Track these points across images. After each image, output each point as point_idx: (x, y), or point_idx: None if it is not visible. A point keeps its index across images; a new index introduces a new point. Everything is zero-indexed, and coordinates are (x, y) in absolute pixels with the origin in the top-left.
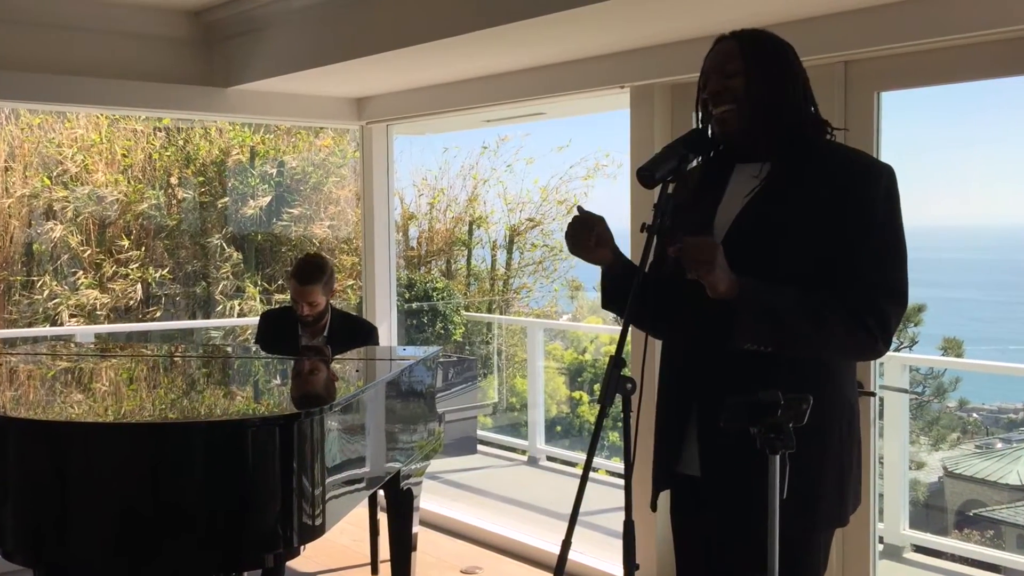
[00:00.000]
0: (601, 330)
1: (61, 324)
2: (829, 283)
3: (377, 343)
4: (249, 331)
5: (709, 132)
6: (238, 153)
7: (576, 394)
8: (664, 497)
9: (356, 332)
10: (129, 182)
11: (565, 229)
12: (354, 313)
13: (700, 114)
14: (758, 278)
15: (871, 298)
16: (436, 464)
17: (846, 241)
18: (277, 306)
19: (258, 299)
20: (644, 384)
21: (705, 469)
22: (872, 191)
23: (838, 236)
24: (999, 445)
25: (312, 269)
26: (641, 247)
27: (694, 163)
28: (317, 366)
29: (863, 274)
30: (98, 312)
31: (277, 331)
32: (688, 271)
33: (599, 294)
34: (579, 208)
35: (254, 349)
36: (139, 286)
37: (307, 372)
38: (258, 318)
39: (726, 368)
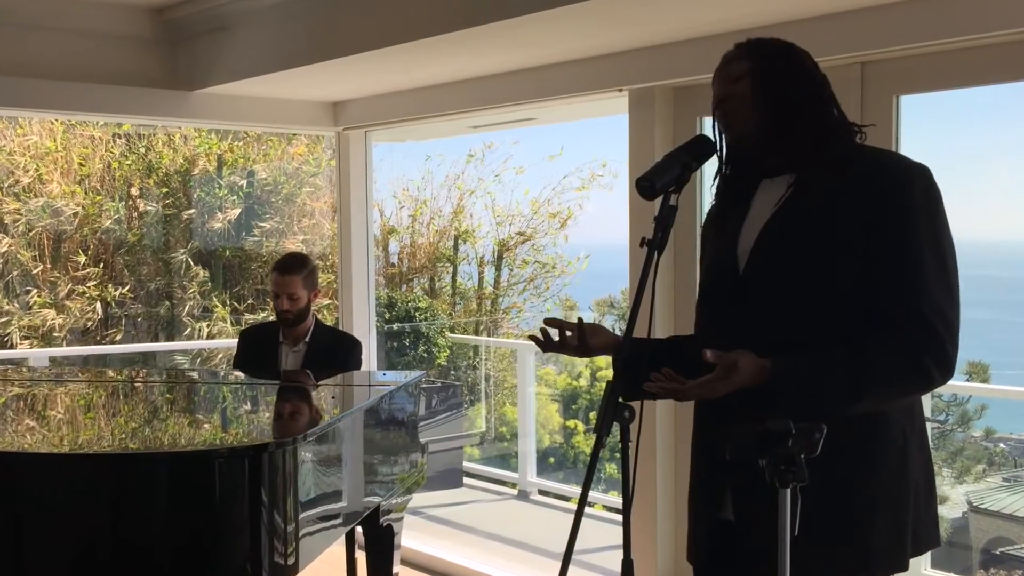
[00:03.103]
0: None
1: (13, 347)
2: (870, 303)
3: (360, 359)
4: (220, 355)
5: (723, 145)
6: (204, 162)
7: (570, 423)
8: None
9: (338, 346)
10: (86, 193)
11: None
12: (337, 328)
13: (717, 131)
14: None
15: (928, 332)
16: (419, 498)
17: (886, 259)
18: (255, 323)
19: (228, 320)
20: (643, 412)
21: (738, 512)
22: (908, 198)
23: (874, 253)
24: None
25: (294, 259)
26: (640, 262)
27: (714, 180)
28: (294, 394)
29: (912, 298)
30: (55, 334)
31: (257, 348)
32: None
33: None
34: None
35: (222, 373)
36: (97, 306)
37: (280, 399)
38: (228, 340)
39: (760, 400)
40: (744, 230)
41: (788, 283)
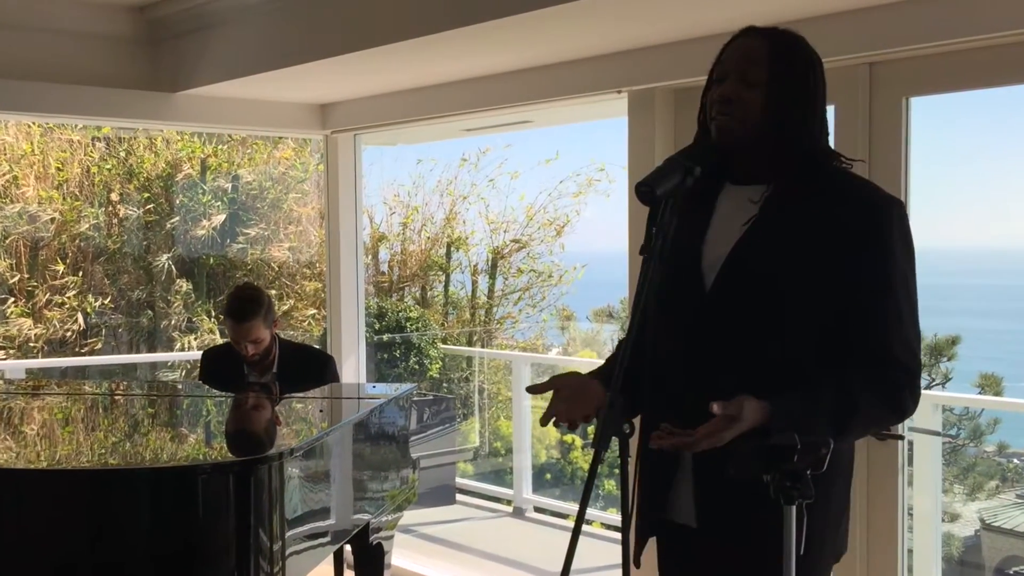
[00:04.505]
0: (595, 365)
1: None
2: (842, 338)
3: (335, 375)
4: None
5: (710, 139)
6: (187, 166)
7: (567, 437)
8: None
9: (309, 365)
10: (65, 199)
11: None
12: (314, 345)
13: (701, 113)
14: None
15: (902, 370)
16: (409, 516)
17: (865, 297)
18: (219, 344)
19: (216, 332)
20: None
21: (702, 519)
22: (888, 236)
23: (851, 286)
24: None
25: (247, 303)
26: (639, 271)
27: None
28: (274, 406)
29: (890, 341)
30: (31, 345)
31: (221, 371)
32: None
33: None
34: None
35: (205, 387)
36: (77, 316)
37: (263, 413)
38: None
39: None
40: (709, 241)
41: (758, 307)
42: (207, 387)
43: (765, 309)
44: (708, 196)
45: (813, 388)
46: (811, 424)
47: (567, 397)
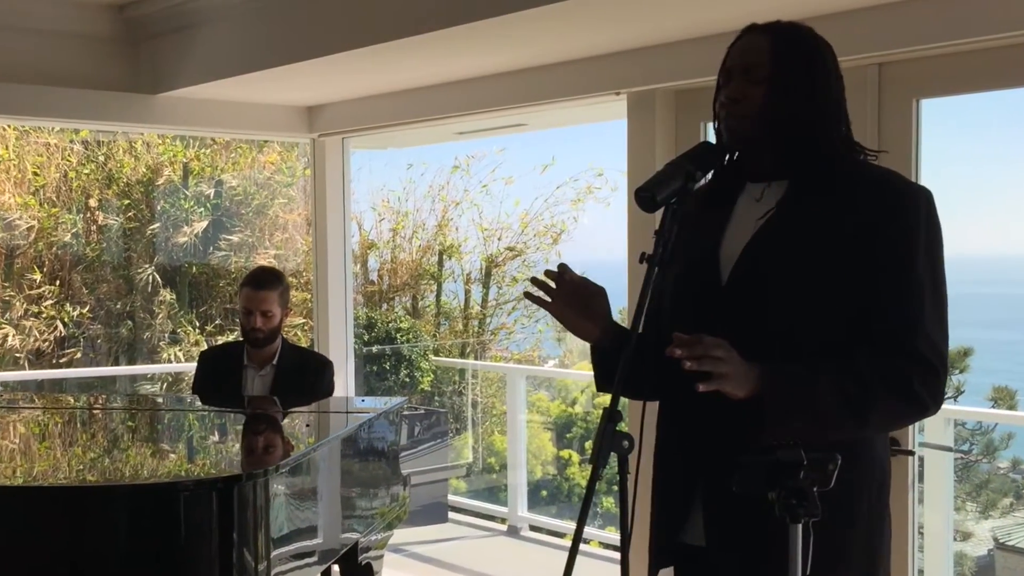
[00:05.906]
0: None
1: None
2: (861, 328)
3: (331, 380)
4: (187, 377)
5: (720, 143)
6: (169, 171)
7: (564, 453)
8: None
9: (307, 365)
10: (41, 205)
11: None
12: (306, 347)
13: (714, 119)
14: (782, 345)
15: (919, 359)
16: (400, 534)
17: (885, 282)
18: (217, 344)
19: (203, 344)
20: (643, 441)
21: (711, 538)
22: (911, 221)
23: (871, 273)
24: None
25: (268, 275)
26: (640, 280)
27: (701, 181)
28: (264, 421)
29: (910, 330)
30: (17, 356)
31: (219, 372)
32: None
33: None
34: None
35: (188, 399)
36: (54, 327)
37: (250, 427)
38: (193, 364)
39: (737, 421)
40: (727, 237)
41: (776, 299)
42: (191, 399)
43: (780, 303)
44: (728, 195)
45: (813, 365)
46: (812, 397)
47: (571, 291)
